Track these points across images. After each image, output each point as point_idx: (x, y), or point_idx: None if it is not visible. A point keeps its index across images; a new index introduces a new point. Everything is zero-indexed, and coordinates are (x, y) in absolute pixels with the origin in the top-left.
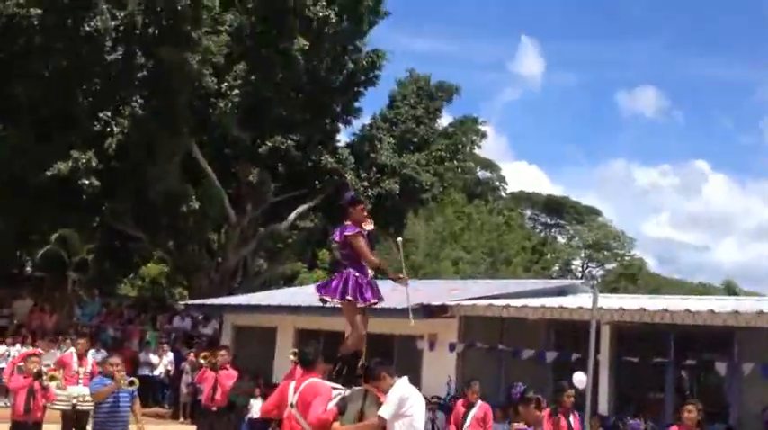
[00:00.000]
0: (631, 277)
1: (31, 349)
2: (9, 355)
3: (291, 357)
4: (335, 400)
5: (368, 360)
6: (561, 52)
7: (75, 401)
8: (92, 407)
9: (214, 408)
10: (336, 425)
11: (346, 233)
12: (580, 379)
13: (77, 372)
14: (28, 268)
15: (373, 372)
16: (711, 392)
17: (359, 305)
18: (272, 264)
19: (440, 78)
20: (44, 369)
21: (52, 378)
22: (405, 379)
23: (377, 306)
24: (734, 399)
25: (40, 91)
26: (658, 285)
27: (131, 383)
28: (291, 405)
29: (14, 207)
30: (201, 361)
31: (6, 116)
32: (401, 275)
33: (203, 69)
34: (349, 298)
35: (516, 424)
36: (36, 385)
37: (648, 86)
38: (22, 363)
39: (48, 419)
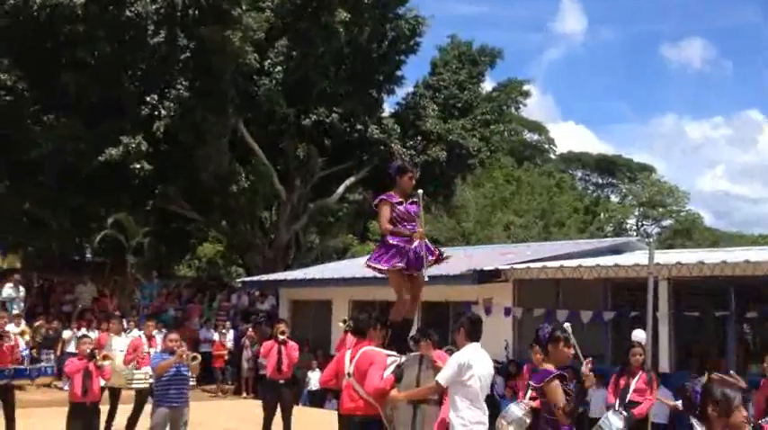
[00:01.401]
0: (687, 233)
1: (99, 333)
2: (72, 340)
3: (341, 325)
4: (392, 368)
5: (422, 326)
6: (602, 8)
7: (152, 380)
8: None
9: (281, 381)
10: (394, 392)
11: (376, 201)
12: (639, 336)
13: (149, 353)
14: (88, 254)
15: (416, 341)
16: None
17: (383, 268)
18: (323, 239)
19: (481, 42)
20: (113, 351)
21: (105, 357)
22: (473, 346)
23: (431, 271)
24: None
25: (87, 79)
26: (716, 239)
27: (194, 358)
28: (348, 374)
29: (69, 195)
30: (341, 325)
31: (56, 106)
32: (418, 230)
33: (245, 47)
34: (377, 266)
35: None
36: (91, 366)
37: (694, 37)
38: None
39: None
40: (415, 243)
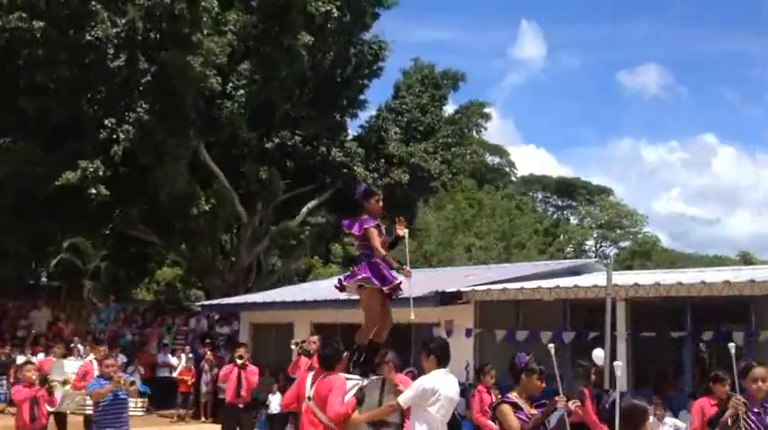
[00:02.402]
0: (646, 254)
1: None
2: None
3: (294, 347)
4: (353, 391)
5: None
6: (561, 35)
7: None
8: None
9: (240, 405)
10: (356, 414)
11: (365, 226)
12: (598, 356)
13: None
14: (44, 278)
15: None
16: (730, 363)
17: (382, 288)
18: (285, 261)
19: (443, 67)
20: (58, 377)
21: (65, 382)
22: (439, 372)
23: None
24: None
25: (46, 102)
26: (673, 260)
27: (132, 384)
28: (309, 398)
29: (26, 218)
30: (293, 347)
31: (14, 129)
32: (405, 267)
33: (207, 71)
34: (375, 282)
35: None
36: (39, 393)
37: (650, 64)
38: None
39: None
40: (399, 277)
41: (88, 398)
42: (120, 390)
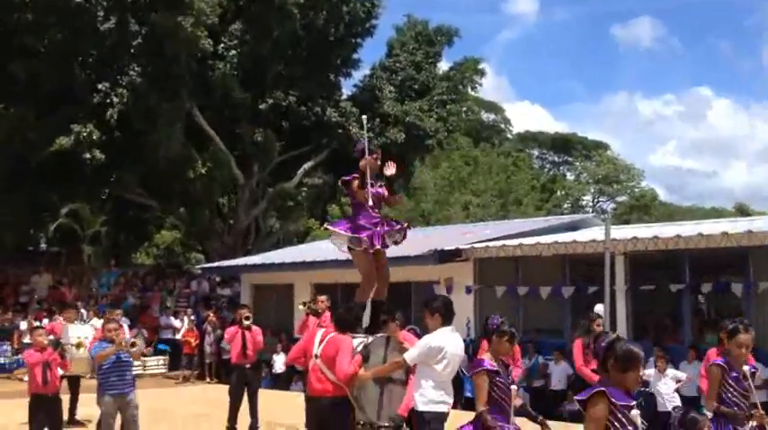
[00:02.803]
0: (643, 208)
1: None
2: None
3: (301, 307)
4: (358, 349)
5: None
6: None
7: None
8: None
9: (247, 365)
10: (361, 371)
11: (343, 178)
12: (599, 310)
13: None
14: (43, 245)
15: (383, 322)
16: (728, 314)
17: (358, 250)
18: (283, 223)
19: (436, 23)
20: (72, 340)
21: (79, 345)
22: (445, 329)
23: (392, 252)
24: (751, 318)
25: (38, 67)
26: (671, 214)
27: (133, 345)
28: (316, 355)
29: (22, 185)
30: (301, 307)
31: (6, 95)
32: (396, 196)
33: (198, 32)
34: (353, 236)
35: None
36: (51, 357)
37: (644, 17)
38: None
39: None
40: (379, 228)
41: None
42: (123, 352)
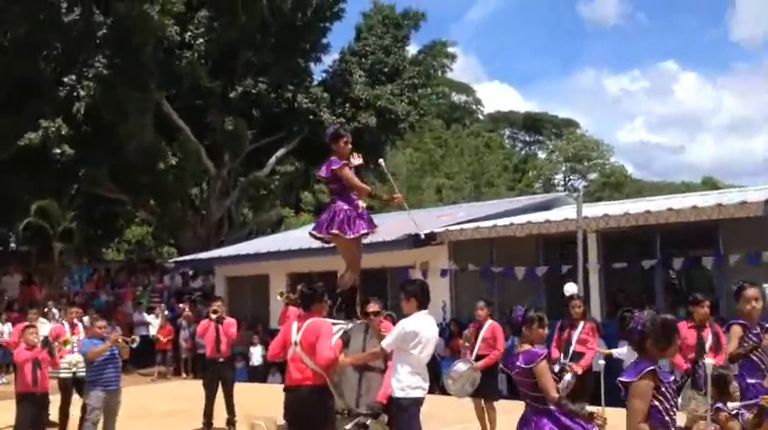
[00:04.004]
0: (615, 185)
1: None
2: (3, 334)
3: (279, 298)
4: (338, 335)
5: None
6: None
7: (74, 369)
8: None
9: (221, 359)
10: (341, 356)
11: (333, 167)
12: (571, 289)
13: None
14: (12, 244)
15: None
16: (701, 287)
17: (348, 237)
18: (256, 212)
19: (403, 7)
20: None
21: (66, 342)
22: (420, 313)
23: (369, 238)
24: (722, 291)
25: (2, 61)
26: (641, 190)
27: (133, 341)
28: (295, 343)
29: None
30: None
31: None
32: (395, 195)
33: (165, 20)
34: (335, 231)
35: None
36: (41, 355)
37: None
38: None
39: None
40: (361, 209)
41: (62, 361)
42: (116, 349)
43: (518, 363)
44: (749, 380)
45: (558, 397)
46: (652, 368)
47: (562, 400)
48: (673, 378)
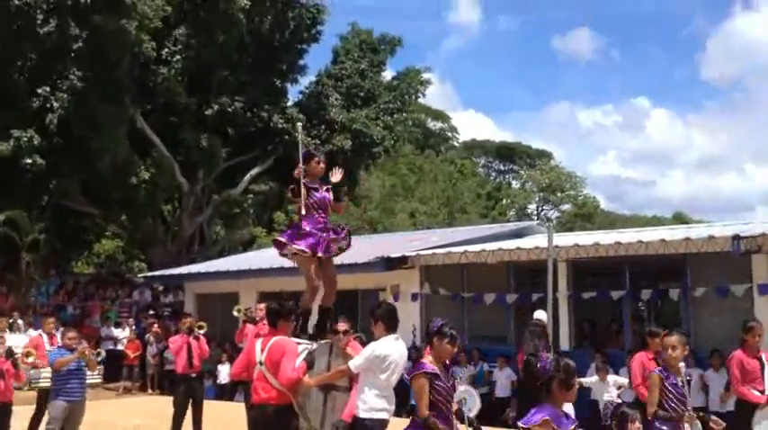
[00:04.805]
0: (587, 216)
1: None
2: None
3: (236, 313)
4: (303, 355)
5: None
6: None
7: None
8: None
9: (193, 375)
10: (306, 378)
11: (291, 187)
12: (540, 317)
13: (50, 352)
14: None
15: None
16: (668, 319)
17: (283, 252)
18: (229, 231)
19: (381, 31)
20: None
21: (28, 354)
22: (389, 337)
23: (337, 258)
24: (688, 323)
25: None
26: (612, 222)
27: (98, 354)
28: (260, 363)
29: None
30: (236, 313)
31: None
32: (334, 171)
33: (141, 36)
34: (298, 248)
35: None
36: (5, 366)
37: (582, 28)
38: None
39: (22, 401)
40: (326, 234)
41: (42, 371)
42: (82, 360)
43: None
44: None
45: (427, 414)
46: (547, 418)
47: (430, 419)
48: (572, 424)
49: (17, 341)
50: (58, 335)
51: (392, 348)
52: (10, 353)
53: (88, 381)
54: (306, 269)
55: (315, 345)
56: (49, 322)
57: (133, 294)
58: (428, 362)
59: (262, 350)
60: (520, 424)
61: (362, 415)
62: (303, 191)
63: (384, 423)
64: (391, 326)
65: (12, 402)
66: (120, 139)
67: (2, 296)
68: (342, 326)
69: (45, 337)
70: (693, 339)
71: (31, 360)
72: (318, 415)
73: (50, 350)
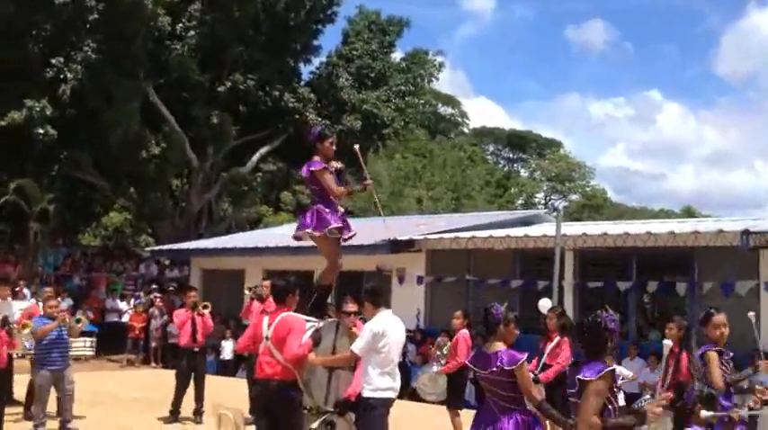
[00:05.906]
0: (595, 207)
1: None
2: None
3: (246, 292)
4: (309, 333)
5: (337, 295)
6: None
7: None
8: None
9: (196, 349)
10: (311, 355)
11: (312, 168)
12: (545, 305)
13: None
14: None
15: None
16: (673, 312)
17: (317, 234)
18: (236, 208)
19: (389, 13)
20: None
21: (25, 325)
22: (384, 313)
23: (347, 242)
24: (694, 318)
25: None
26: (620, 214)
27: (78, 321)
28: (267, 337)
29: None
30: (246, 292)
31: None
32: (366, 182)
33: (157, 10)
34: (317, 233)
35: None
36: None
37: (596, 19)
38: None
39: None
40: (341, 211)
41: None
42: (64, 329)
43: (497, 363)
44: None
45: (540, 399)
46: (613, 368)
47: (544, 404)
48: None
49: (18, 308)
50: (63, 305)
51: (388, 323)
52: (5, 322)
53: (79, 353)
54: (333, 248)
55: (321, 323)
56: (48, 291)
57: (139, 268)
58: (513, 351)
59: (269, 325)
60: (579, 376)
61: (368, 394)
62: (330, 176)
63: (389, 402)
64: (377, 301)
65: (7, 368)
66: (132, 113)
67: (9, 264)
68: (350, 306)
69: (41, 306)
70: (699, 334)
71: (27, 331)
72: (323, 391)
73: (33, 320)
